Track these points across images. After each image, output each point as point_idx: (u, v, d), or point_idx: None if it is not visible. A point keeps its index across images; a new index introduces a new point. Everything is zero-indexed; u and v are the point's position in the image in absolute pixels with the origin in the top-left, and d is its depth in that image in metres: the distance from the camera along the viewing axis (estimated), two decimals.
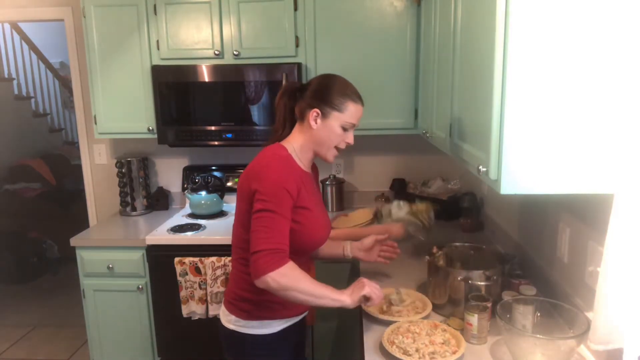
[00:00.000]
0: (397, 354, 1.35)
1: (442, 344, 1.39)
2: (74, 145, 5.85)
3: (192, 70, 2.59)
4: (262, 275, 1.33)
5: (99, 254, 2.56)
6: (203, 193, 2.90)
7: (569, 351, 1.25)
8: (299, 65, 2.55)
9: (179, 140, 2.68)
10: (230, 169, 3.03)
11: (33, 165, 5.07)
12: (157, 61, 2.64)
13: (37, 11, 3.03)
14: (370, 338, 1.51)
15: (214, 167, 3.04)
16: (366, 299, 1.44)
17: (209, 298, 2.45)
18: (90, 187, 3.20)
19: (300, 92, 1.55)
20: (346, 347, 2.56)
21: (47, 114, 5.90)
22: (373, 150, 3.01)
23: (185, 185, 3.04)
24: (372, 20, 2.53)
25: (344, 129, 1.51)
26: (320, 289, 1.39)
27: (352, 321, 2.47)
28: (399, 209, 2.08)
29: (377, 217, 2.38)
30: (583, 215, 1.45)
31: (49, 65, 6.02)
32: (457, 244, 1.88)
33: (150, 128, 2.70)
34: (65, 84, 6.11)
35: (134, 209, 3.00)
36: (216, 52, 2.60)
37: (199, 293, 2.47)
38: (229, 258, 2.41)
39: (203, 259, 2.45)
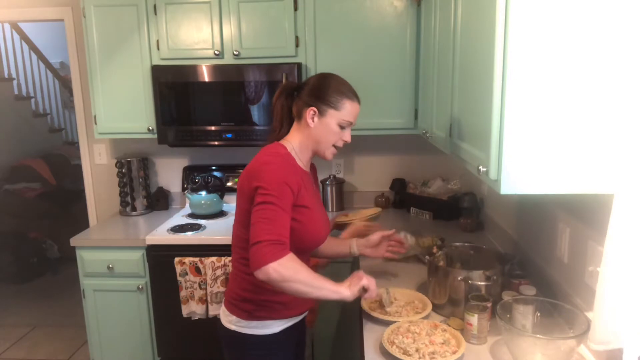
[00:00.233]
0: (397, 354, 1.35)
1: (442, 344, 1.39)
2: (74, 145, 5.85)
3: (192, 70, 2.59)
4: (262, 266, 1.30)
5: (99, 254, 2.56)
6: (203, 193, 2.90)
7: (569, 351, 1.25)
8: (299, 65, 2.55)
9: (179, 140, 2.68)
10: (230, 169, 3.03)
11: (33, 165, 5.07)
12: (157, 61, 2.64)
13: (37, 11, 3.03)
14: (370, 338, 1.51)
15: (214, 167, 3.04)
16: (364, 290, 1.43)
17: (209, 298, 2.45)
18: (90, 187, 3.20)
19: (297, 92, 1.56)
20: (346, 347, 2.57)
21: (47, 114, 5.90)
22: (373, 150, 3.01)
23: (185, 185, 3.04)
24: (372, 20, 2.54)
25: (341, 127, 1.52)
26: (320, 281, 1.38)
27: (352, 321, 2.48)
28: (406, 241, 2.09)
29: None
30: (583, 215, 1.45)
31: (49, 65, 6.02)
32: (457, 244, 1.89)
33: (150, 128, 2.70)
34: (65, 84, 6.11)
35: (134, 209, 3.00)
36: (216, 52, 2.60)
37: (199, 293, 2.47)
38: (229, 258, 2.41)
39: (203, 259, 2.45)
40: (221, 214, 2.88)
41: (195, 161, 3.11)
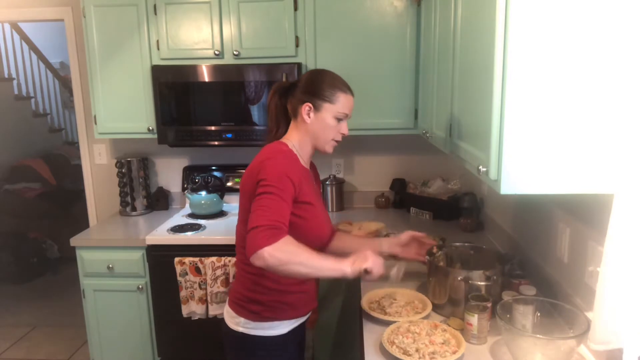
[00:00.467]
0: (397, 354, 1.35)
1: (442, 344, 1.39)
2: (74, 145, 5.85)
3: (192, 70, 2.58)
4: (257, 250, 1.27)
5: (99, 254, 2.56)
6: (203, 193, 2.90)
7: (569, 351, 1.25)
8: (299, 65, 2.55)
9: (179, 140, 2.68)
10: (230, 169, 3.03)
11: (33, 165, 5.07)
12: (157, 61, 2.64)
13: (37, 11, 3.03)
14: (370, 338, 1.51)
15: (214, 167, 3.04)
16: (366, 272, 1.40)
17: (209, 298, 2.45)
18: (90, 187, 3.20)
19: (290, 90, 1.57)
20: (346, 348, 2.56)
21: (47, 114, 5.89)
22: (373, 150, 3.01)
23: (185, 185, 3.04)
24: (372, 20, 2.53)
25: (338, 120, 1.53)
26: (320, 260, 1.36)
27: (352, 322, 2.47)
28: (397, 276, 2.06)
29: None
30: (583, 215, 1.45)
31: (49, 65, 6.02)
32: (457, 244, 1.89)
33: (150, 128, 2.70)
34: (65, 84, 6.10)
35: (134, 209, 3.00)
36: (216, 52, 2.60)
37: (199, 293, 2.47)
38: (229, 258, 2.42)
39: (203, 259, 2.45)
40: (221, 214, 2.88)
41: (195, 161, 3.11)
